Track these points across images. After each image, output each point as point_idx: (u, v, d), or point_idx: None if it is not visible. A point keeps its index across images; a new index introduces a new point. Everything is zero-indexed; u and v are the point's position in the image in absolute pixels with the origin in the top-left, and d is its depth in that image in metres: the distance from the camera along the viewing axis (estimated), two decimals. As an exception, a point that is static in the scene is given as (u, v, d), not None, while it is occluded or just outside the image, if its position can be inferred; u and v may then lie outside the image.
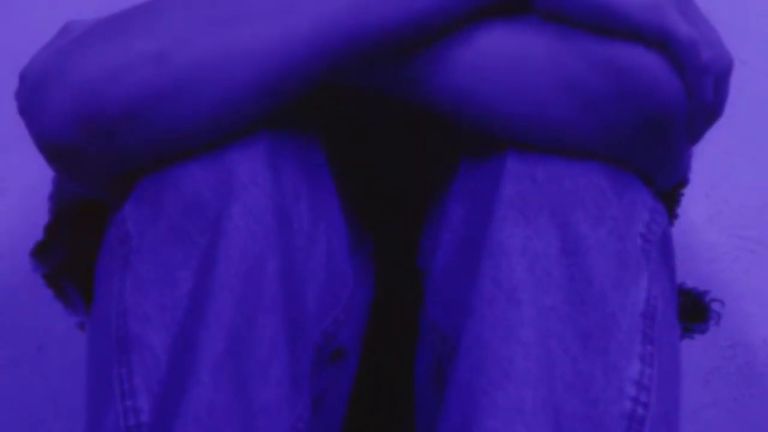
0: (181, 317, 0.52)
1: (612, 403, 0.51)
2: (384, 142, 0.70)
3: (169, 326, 0.52)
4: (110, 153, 0.55)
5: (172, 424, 0.48)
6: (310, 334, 0.57)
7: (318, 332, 0.58)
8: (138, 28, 0.55)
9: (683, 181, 0.67)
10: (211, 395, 0.49)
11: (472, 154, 0.60)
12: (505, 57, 0.56)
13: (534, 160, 0.56)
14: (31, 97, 0.56)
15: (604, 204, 0.55)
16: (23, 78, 0.58)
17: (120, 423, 0.51)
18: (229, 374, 0.50)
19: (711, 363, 1.08)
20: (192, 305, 0.52)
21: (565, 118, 0.55)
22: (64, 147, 0.55)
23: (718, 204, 1.09)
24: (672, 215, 0.66)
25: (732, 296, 1.07)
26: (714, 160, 1.08)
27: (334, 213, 0.61)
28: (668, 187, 0.62)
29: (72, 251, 0.68)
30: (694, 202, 1.07)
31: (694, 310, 0.72)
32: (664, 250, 0.58)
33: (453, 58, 0.56)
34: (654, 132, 0.56)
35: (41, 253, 0.68)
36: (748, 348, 1.08)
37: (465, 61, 0.56)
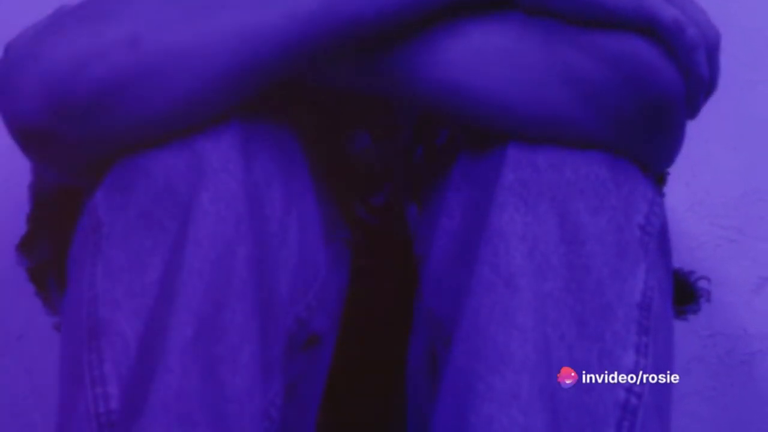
0: (152, 303, 0.51)
1: (606, 392, 0.51)
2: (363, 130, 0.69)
3: (140, 312, 0.51)
4: (81, 138, 0.55)
5: (141, 410, 0.48)
6: (282, 320, 0.57)
7: (290, 318, 0.58)
8: (112, 12, 0.55)
9: None
10: (180, 381, 0.48)
11: (472, 142, 0.59)
12: (497, 50, 0.55)
13: (535, 148, 0.55)
14: (5, 78, 0.55)
15: (604, 194, 0.55)
16: (6, 50, 0.57)
17: (90, 409, 0.51)
18: (198, 360, 0.49)
19: (691, 352, 1.09)
20: (162, 291, 0.51)
21: (563, 110, 0.55)
22: (35, 131, 0.55)
23: (699, 193, 1.09)
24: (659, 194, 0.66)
25: (712, 285, 1.08)
26: (695, 149, 1.07)
27: (307, 200, 0.60)
28: (665, 169, 0.62)
29: (56, 246, 0.67)
30: (674, 191, 1.07)
31: (682, 292, 0.72)
32: (661, 243, 0.58)
33: (444, 54, 0.55)
34: (655, 117, 0.56)
35: (26, 246, 0.67)
36: (728, 337, 1.09)
37: (456, 56, 0.55)
